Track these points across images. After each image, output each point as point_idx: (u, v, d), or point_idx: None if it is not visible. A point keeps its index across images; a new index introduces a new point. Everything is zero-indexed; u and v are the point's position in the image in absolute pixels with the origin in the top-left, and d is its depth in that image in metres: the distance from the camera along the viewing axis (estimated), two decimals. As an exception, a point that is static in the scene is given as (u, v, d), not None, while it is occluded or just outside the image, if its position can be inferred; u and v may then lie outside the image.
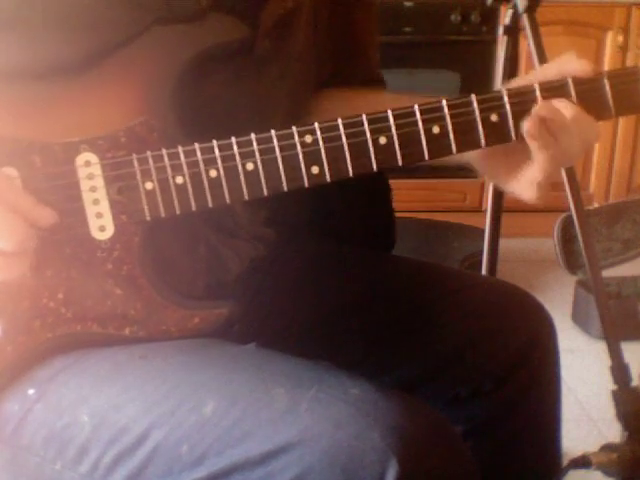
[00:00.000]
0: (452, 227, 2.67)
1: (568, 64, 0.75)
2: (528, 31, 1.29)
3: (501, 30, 1.42)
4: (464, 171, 0.86)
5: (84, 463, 0.71)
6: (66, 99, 0.73)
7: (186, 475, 0.67)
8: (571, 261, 2.16)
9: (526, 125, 0.73)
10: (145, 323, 0.74)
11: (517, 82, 0.76)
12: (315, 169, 0.73)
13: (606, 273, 1.67)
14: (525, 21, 1.29)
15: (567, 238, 2.11)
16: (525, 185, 0.77)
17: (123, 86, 0.74)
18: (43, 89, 0.72)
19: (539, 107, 0.73)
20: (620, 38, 2.87)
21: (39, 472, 0.73)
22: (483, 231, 1.58)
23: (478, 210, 2.89)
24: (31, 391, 0.73)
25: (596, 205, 2.33)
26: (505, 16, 1.39)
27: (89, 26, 0.73)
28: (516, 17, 1.34)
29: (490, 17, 2.80)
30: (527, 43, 1.29)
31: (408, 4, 2.80)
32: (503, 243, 1.61)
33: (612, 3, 2.86)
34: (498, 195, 1.55)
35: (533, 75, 0.76)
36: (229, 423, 0.66)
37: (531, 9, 1.28)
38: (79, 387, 0.72)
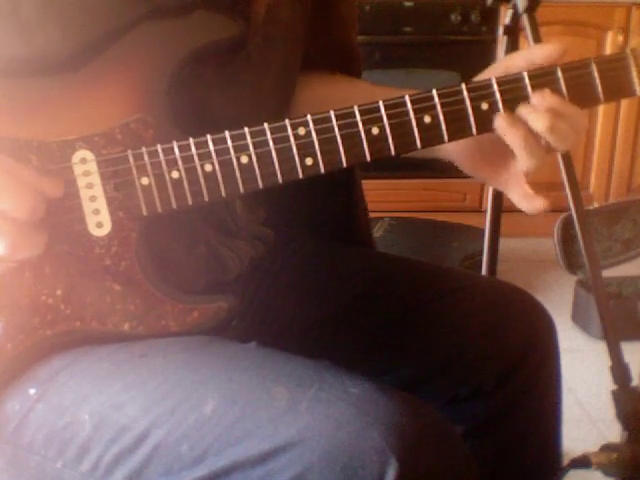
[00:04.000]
0: (452, 227, 2.67)
1: (533, 50, 0.76)
2: (528, 31, 1.29)
3: (501, 30, 1.42)
4: (448, 162, 0.86)
5: (85, 462, 0.71)
6: (62, 97, 0.73)
7: (186, 474, 0.67)
8: (571, 261, 2.16)
9: (497, 121, 0.74)
10: (144, 318, 0.74)
11: (484, 75, 0.77)
12: (309, 161, 0.73)
13: (606, 273, 1.67)
14: (525, 21, 1.29)
15: (567, 238, 2.11)
16: (507, 179, 0.78)
17: (118, 84, 0.74)
18: (38, 87, 0.72)
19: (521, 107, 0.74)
20: (620, 38, 2.87)
21: (40, 471, 0.73)
22: (483, 231, 1.58)
23: (478, 210, 2.89)
24: (32, 390, 0.73)
25: (596, 205, 2.32)
26: (505, 16, 1.40)
27: (82, 17, 0.73)
28: (516, 17, 1.34)
29: (490, 17, 2.80)
30: (527, 43, 1.29)
31: (408, 4, 2.80)
32: (503, 243, 1.61)
33: (612, 3, 2.86)
34: (498, 195, 1.55)
35: (499, 66, 0.77)
36: (229, 422, 0.66)
37: (531, 9, 1.28)
38: (79, 386, 0.72)
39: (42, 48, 0.72)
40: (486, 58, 2.82)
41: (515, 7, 1.31)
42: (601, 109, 2.90)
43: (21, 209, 0.67)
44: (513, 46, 1.43)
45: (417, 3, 2.81)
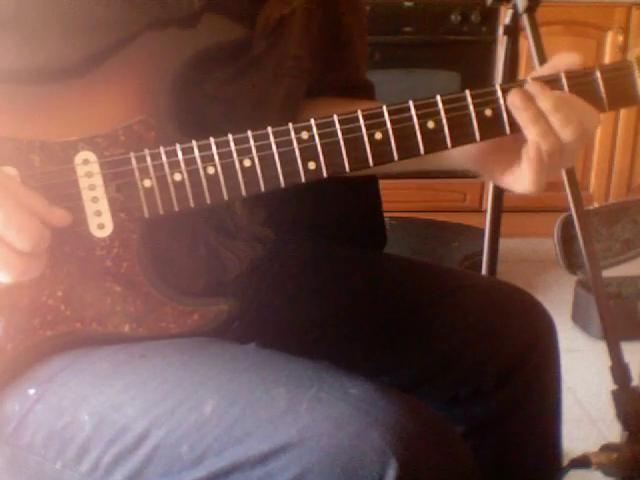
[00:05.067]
0: (452, 227, 2.67)
1: (560, 60, 0.76)
2: (528, 31, 1.29)
3: (501, 30, 1.42)
4: (464, 171, 0.86)
5: (84, 463, 0.71)
6: (65, 101, 0.73)
7: (186, 474, 0.67)
8: (571, 261, 2.16)
9: (510, 96, 0.74)
10: (144, 320, 0.75)
11: None
12: (312, 165, 0.73)
13: (606, 273, 1.67)
14: (525, 21, 1.29)
15: (567, 238, 2.11)
16: (521, 178, 0.77)
17: (121, 86, 0.74)
18: (42, 90, 0.72)
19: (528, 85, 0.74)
20: (620, 38, 2.87)
21: (39, 472, 0.73)
22: (483, 231, 1.58)
23: (478, 210, 2.89)
24: (31, 391, 0.73)
25: (596, 205, 2.32)
26: (505, 16, 1.40)
27: (87, 28, 0.73)
28: (516, 17, 1.34)
29: (490, 17, 2.80)
30: (527, 43, 1.29)
31: (408, 4, 2.80)
32: (503, 243, 1.61)
33: (612, 3, 2.86)
34: (498, 195, 1.55)
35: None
36: (229, 423, 0.66)
37: (531, 9, 1.28)
38: (79, 387, 0.72)
39: (45, 60, 0.72)
40: (486, 58, 2.83)
41: (515, 7, 1.32)
42: (601, 109, 2.90)
43: (24, 241, 0.67)
44: (513, 46, 1.43)
45: (417, 3, 2.81)
